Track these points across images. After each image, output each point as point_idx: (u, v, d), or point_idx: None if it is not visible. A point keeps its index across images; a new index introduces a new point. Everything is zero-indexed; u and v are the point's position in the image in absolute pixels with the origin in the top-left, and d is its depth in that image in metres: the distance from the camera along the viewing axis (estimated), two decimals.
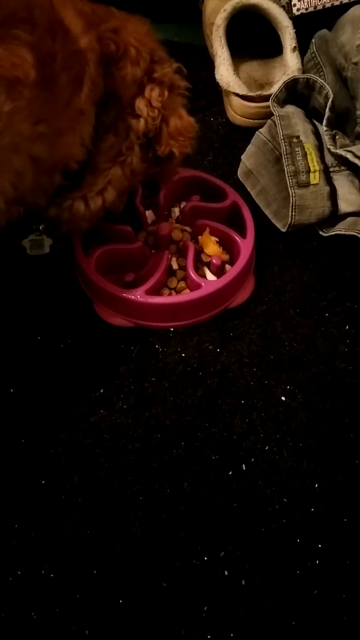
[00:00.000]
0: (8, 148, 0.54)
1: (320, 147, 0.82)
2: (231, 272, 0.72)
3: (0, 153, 0.54)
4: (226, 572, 0.57)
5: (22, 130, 0.54)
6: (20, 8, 0.52)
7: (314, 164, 0.79)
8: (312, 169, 0.79)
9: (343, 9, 0.93)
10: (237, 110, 0.93)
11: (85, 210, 0.68)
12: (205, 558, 0.58)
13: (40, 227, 0.74)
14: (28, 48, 0.51)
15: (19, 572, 0.57)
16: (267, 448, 0.64)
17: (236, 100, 0.92)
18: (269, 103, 0.85)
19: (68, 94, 0.58)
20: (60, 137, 0.59)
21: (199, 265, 0.75)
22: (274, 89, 0.87)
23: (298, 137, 0.81)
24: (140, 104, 0.65)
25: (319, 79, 0.85)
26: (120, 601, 0.56)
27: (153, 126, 0.66)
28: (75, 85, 0.59)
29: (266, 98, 0.88)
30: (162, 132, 0.67)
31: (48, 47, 0.55)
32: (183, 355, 0.71)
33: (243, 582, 0.57)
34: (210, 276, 0.74)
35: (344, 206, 0.79)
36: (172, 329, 0.73)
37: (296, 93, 0.87)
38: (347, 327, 0.74)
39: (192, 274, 0.72)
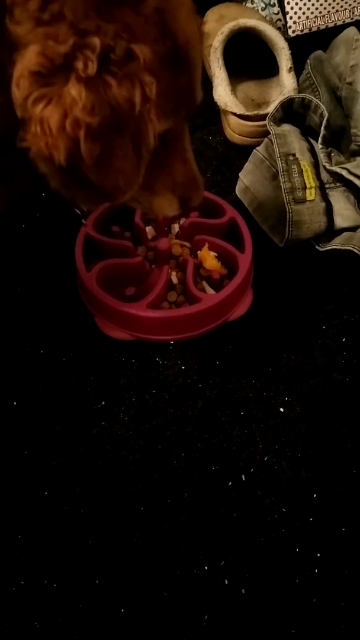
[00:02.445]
0: None
1: (316, 164, 0.83)
2: (230, 286, 0.74)
3: None
4: (226, 581, 0.58)
5: None
6: None
7: (310, 180, 0.81)
8: (308, 186, 0.81)
9: (337, 30, 0.96)
10: (235, 129, 0.95)
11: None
12: (206, 567, 0.59)
13: None
14: None
15: (22, 582, 0.57)
16: (266, 458, 0.65)
17: (234, 119, 0.94)
18: (266, 122, 0.87)
19: None
20: None
21: (198, 279, 0.76)
22: (271, 108, 0.89)
23: (294, 154, 0.83)
24: None
25: (314, 98, 0.87)
26: (122, 610, 0.56)
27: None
28: None
29: (263, 117, 0.90)
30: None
31: None
32: (183, 367, 0.72)
33: (243, 591, 0.57)
34: (209, 290, 0.76)
35: (339, 221, 0.80)
36: (172, 342, 0.74)
37: (292, 112, 0.89)
38: (344, 340, 0.75)
39: (192, 288, 0.73)
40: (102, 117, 0.45)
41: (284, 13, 1.03)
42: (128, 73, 0.45)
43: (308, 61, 0.94)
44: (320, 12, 1.03)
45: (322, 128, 0.84)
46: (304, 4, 1.02)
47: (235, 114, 0.93)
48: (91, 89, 0.44)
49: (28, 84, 0.44)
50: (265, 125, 0.87)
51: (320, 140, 0.84)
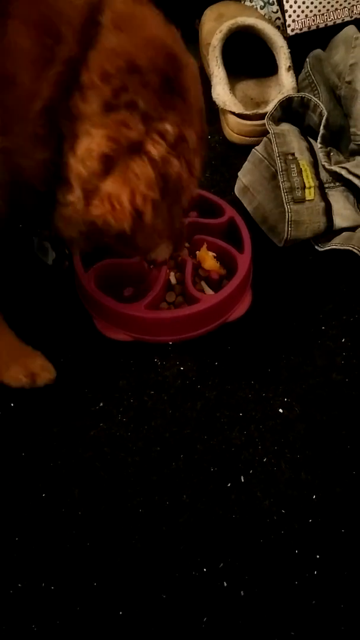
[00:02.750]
0: None
1: (315, 164, 0.83)
2: (229, 286, 0.73)
3: None
4: (225, 583, 0.58)
5: None
6: None
7: (309, 180, 0.81)
8: (307, 185, 0.80)
9: (336, 29, 0.95)
10: (234, 128, 0.94)
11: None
12: (205, 569, 0.58)
13: (45, 232, 0.72)
14: None
15: (19, 585, 0.57)
16: (265, 460, 0.65)
17: (232, 119, 0.94)
18: (265, 121, 0.86)
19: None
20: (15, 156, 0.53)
21: (197, 279, 0.76)
22: (270, 107, 0.89)
23: (293, 154, 0.83)
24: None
25: (313, 97, 0.86)
26: (120, 613, 0.56)
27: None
28: None
29: (262, 116, 0.90)
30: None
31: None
32: (182, 368, 0.72)
33: (242, 593, 0.57)
34: (208, 290, 0.75)
35: (339, 221, 0.80)
36: (170, 343, 0.74)
37: (291, 111, 0.89)
38: (343, 340, 0.75)
39: (191, 289, 0.73)
40: (160, 189, 0.53)
41: (283, 11, 1.03)
42: (180, 153, 0.53)
43: (307, 60, 0.94)
44: (319, 11, 1.02)
45: (321, 127, 0.83)
46: (303, 3, 1.02)
47: (234, 113, 0.93)
48: (155, 168, 0.51)
49: (97, 163, 0.50)
50: (264, 125, 0.87)
51: (319, 139, 0.84)
